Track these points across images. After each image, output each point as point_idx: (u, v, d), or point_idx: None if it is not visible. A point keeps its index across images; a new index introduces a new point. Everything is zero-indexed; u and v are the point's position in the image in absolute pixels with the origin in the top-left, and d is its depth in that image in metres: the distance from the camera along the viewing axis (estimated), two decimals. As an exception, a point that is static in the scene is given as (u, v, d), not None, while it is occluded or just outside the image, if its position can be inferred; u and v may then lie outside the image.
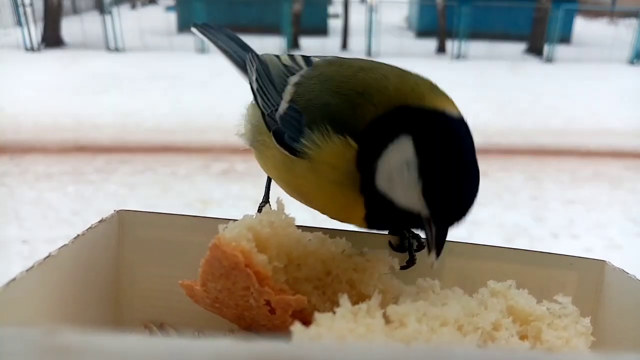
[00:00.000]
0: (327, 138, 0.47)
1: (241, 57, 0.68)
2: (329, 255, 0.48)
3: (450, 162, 0.44)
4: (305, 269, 0.47)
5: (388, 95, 0.48)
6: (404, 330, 0.38)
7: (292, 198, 0.56)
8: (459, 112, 0.47)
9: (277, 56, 0.62)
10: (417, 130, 0.45)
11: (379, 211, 0.48)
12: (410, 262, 0.56)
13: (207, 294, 0.46)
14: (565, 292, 0.49)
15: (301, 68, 0.57)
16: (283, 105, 0.53)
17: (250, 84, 0.61)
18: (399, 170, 0.44)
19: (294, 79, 0.55)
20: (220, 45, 0.72)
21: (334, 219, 0.53)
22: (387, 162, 0.45)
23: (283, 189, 0.56)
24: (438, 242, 0.45)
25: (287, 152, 0.50)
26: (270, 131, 0.53)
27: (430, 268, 0.46)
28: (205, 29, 0.75)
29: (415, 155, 0.44)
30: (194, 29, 0.76)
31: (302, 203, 0.54)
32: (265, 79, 0.58)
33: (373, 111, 0.47)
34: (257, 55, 0.65)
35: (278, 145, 0.51)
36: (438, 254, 0.45)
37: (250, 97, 0.61)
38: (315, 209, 0.53)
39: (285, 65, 0.58)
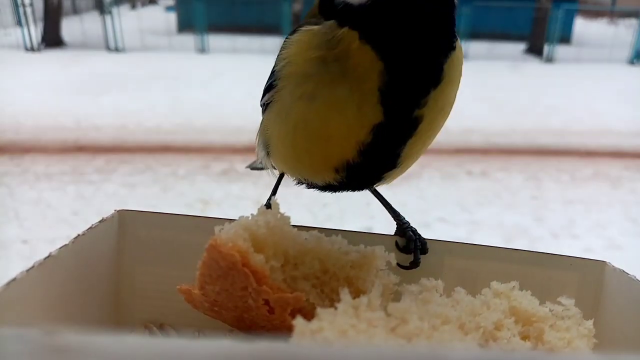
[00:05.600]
0: (292, 44, 0.50)
1: None
2: (325, 253, 0.47)
3: None
4: (302, 267, 0.47)
5: None
6: (405, 327, 0.39)
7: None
8: None
9: None
10: None
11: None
12: (414, 264, 0.56)
13: (206, 297, 0.45)
14: (565, 292, 0.49)
15: None
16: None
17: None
18: None
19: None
20: None
21: (338, 154, 0.51)
22: None
23: (300, 169, 0.56)
24: None
25: (267, 96, 0.53)
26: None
27: None
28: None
29: None
30: None
31: (318, 169, 0.54)
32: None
33: None
34: None
35: (263, 100, 0.55)
36: None
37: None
38: (329, 152, 0.51)
39: None
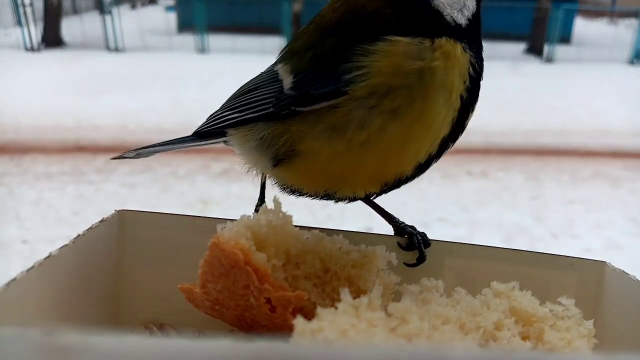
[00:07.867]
0: (376, 53, 0.47)
1: (197, 136, 0.73)
2: (326, 253, 0.48)
3: None
4: (303, 266, 0.47)
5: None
6: (405, 327, 0.39)
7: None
8: None
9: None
10: None
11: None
12: (421, 260, 0.56)
13: (207, 296, 0.45)
14: (565, 293, 0.49)
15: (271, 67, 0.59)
16: (287, 81, 0.53)
17: (229, 124, 0.61)
18: None
19: (278, 66, 0.56)
20: (169, 144, 0.73)
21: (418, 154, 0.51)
22: None
23: (341, 184, 0.53)
24: None
25: (325, 103, 0.48)
26: (289, 109, 0.51)
27: None
28: (143, 150, 0.72)
29: None
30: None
31: (366, 184, 0.53)
32: (245, 97, 0.58)
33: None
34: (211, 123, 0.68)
35: (310, 106, 0.49)
36: None
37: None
38: (401, 161, 0.51)
39: (257, 78, 0.60)
